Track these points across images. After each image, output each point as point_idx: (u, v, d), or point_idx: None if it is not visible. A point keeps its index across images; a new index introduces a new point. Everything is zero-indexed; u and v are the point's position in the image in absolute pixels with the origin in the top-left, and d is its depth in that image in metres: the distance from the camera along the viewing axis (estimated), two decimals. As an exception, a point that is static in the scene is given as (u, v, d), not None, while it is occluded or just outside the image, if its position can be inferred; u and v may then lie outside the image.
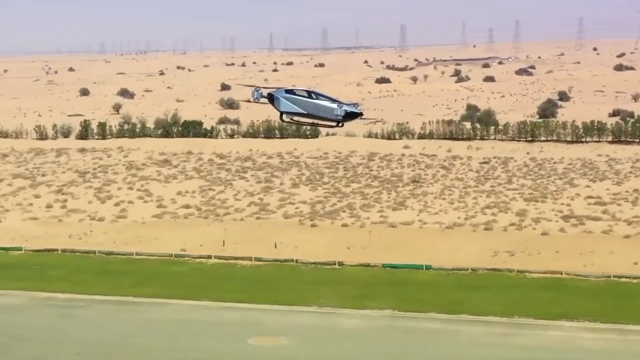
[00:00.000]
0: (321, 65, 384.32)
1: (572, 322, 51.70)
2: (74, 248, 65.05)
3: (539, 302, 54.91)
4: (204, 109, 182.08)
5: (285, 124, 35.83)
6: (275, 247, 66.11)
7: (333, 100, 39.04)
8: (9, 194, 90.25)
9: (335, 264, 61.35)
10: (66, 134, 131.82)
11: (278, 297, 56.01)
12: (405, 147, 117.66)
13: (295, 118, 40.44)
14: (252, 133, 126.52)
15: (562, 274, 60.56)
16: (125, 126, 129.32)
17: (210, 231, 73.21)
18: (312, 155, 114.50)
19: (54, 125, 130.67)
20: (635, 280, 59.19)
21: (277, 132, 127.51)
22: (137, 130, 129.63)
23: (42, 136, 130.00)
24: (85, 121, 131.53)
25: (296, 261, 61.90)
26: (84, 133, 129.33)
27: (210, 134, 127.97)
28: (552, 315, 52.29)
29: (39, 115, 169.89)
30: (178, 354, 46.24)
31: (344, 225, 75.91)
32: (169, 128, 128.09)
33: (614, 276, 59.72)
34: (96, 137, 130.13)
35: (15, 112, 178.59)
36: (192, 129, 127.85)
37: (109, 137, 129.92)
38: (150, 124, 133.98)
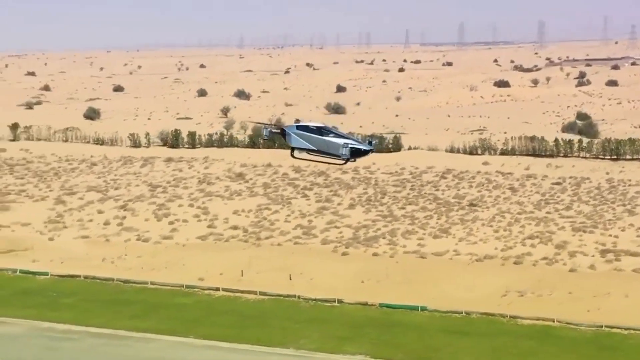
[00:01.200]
0: (449, 64, 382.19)
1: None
2: (95, 275, 68.05)
3: (517, 352, 55.33)
4: (310, 113, 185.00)
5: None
6: (290, 279, 68.34)
7: (343, 137, 40.13)
8: (76, 208, 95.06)
9: (335, 302, 62.73)
10: (165, 141, 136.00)
11: (262, 336, 57.92)
12: (485, 163, 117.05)
13: (305, 154, 41.66)
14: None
15: (554, 321, 60.18)
16: (214, 136, 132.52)
17: (241, 257, 76.34)
18: (387, 171, 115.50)
19: (147, 134, 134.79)
20: (626, 332, 58.30)
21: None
22: (225, 140, 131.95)
23: (136, 144, 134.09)
24: (175, 130, 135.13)
25: (298, 297, 63.65)
26: (174, 142, 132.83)
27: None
28: None
29: (148, 119, 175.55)
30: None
31: (375, 254, 76.98)
32: (254, 138, 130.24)
33: (605, 326, 58.97)
34: (186, 146, 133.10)
35: (130, 114, 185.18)
36: (278, 139, 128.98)
37: (199, 146, 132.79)
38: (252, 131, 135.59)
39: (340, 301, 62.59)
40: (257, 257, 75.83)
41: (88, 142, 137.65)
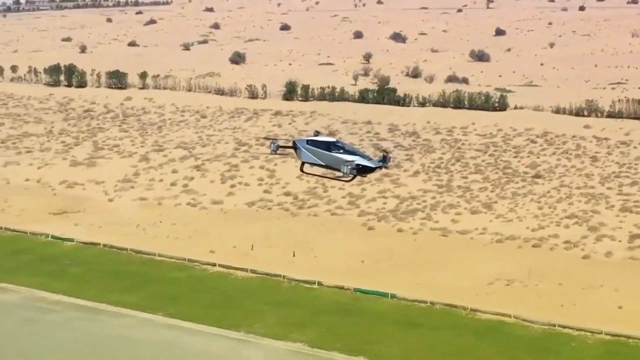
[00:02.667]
0: (634, 2, 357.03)
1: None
2: (114, 244, 74.95)
3: (452, 350, 56.94)
4: (453, 60, 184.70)
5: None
6: (294, 255, 72.95)
7: (352, 153, 42.69)
8: (156, 166, 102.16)
9: (315, 284, 66.95)
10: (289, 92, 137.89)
11: (224, 318, 61.78)
12: (586, 126, 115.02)
13: (314, 169, 44.90)
14: (443, 102, 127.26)
15: (510, 317, 60.63)
16: (327, 89, 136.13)
17: (268, 228, 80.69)
18: (481, 132, 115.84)
19: (263, 85, 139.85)
20: (575, 332, 58.67)
21: (466, 102, 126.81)
22: (337, 94, 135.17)
23: (253, 95, 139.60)
24: (290, 82, 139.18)
25: (283, 277, 67.85)
26: (289, 94, 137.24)
27: (403, 101, 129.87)
28: None
29: (289, 64, 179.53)
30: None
31: (400, 230, 79.88)
32: (365, 93, 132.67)
33: (559, 325, 59.18)
34: (300, 98, 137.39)
35: (276, 58, 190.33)
36: (387, 95, 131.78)
37: (311, 98, 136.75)
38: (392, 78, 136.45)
39: (320, 283, 65.77)
40: (281, 229, 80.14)
41: (209, 92, 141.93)
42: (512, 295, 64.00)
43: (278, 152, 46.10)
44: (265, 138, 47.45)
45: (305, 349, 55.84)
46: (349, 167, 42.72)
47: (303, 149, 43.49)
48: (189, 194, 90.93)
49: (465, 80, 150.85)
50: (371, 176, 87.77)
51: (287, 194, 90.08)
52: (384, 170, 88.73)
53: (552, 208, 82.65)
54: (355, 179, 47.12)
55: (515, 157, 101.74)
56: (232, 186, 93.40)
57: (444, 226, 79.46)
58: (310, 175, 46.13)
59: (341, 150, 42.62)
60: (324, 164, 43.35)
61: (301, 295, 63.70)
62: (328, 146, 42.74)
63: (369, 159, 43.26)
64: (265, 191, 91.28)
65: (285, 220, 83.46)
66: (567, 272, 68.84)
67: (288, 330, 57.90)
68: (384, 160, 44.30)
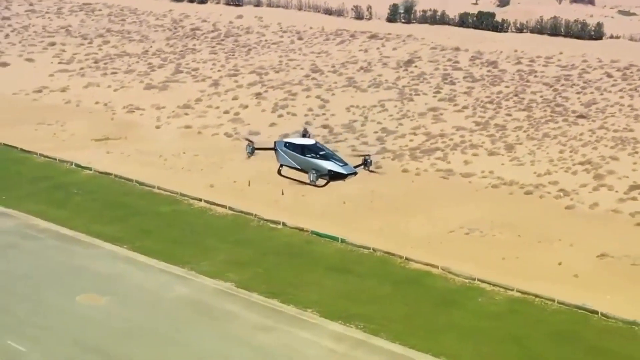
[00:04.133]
0: None
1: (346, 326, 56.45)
2: (125, 174, 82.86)
3: (360, 299, 59.88)
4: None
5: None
6: (283, 194, 79.09)
7: (327, 158, 42.57)
8: (222, 92, 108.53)
9: (279, 224, 73.02)
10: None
11: (181, 254, 66.35)
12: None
13: (290, 172, 45.41)
14: (540, 29, 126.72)
15: (438, 268, 63.06)
16: (428, 12, 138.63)
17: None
18: (563, 64, 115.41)
19: (369, 7, 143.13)
20: (490, 288, 60.69)
21: (562, 29, 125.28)
22: (437, 17, 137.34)
23: (359, 16, 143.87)
24: (393, 4, 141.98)
25: (255, 215, 74.10)
26: (392, 16, 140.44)
27: (500, 26, 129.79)
28: (346, 315, 57.21)
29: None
30: (9, 299, 60.17)
31: (405, 170, 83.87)
32: (464, 17, 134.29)
33: (478, 279, 60.78)
34: (402, 20, 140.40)
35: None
36: (485, 20, 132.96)
37: (414, 21, 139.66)
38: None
39: (284, 224, 71.21)
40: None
41: (318, 11, 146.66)
42: (463, 245, 66.13)
43: (254, 154, 45.80)
44: (247, 139, 49.33)
45: (231, 288, 60.47)
46: (315, 174, 42.41)
47: (280, 152, 43.44)
48: (234, 122, 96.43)
49: (591, 2, 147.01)
50: (416, 108, 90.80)
51: (325, 126, 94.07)
52: (430, 104, 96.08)
53: (573, 152, 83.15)
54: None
55: (578, 93, 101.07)
56: (280, 116, 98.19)
57: (451, 168, 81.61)
58: (286, 178, 46.78)
59: (316, 155, 42.34)
60: (299, 168, 43.00)
61: (261, 235, 68.51)
62: (303, 150, 42.38)
63: (344, 164, 42.46)
64: (306, 122, 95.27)
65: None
66: (536, 223, 70.24)
67: (228, 269, 62.73)
68: (365, 164, 43.96)
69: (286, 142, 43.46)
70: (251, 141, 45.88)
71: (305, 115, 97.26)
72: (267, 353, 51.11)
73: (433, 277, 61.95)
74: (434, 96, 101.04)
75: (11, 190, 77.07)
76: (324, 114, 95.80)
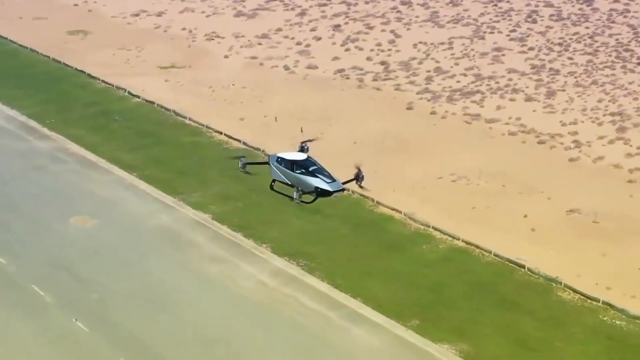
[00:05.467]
0: None
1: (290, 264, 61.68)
2: (164, 104, 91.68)
3: (318, 239, 64.13)
4: None
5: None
6: (302, 131, 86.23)
7: (316, 175, 43.12)
8: (305, 22, 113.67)
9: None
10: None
11: (180, 184, 72.34)
12: None
13: (282, 188, 44.99)
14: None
15: (401, 213, 66.60)
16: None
17: (319, 99, 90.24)
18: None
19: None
20: (439, 236, 63.44)
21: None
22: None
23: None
24: None
25: (262, 151, 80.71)
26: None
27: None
28: (294, 252, 62.54)
29: None
30: (11, 216, 68.51)
31: (433, 112, 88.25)
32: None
33: (432, 227, 64.39)
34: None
35: None
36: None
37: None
38: None
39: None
40: (328, 100, 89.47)
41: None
42: (442, 192, 69.53)
43: (246, 169, 46.24)
44: (237, 157, 52.10)
45: (207, 220, 66.94)
46: (299, 193, 42.95)
47: (272, 167, 43.87)
48: (300, 55, 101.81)
49: None
50: (479, 49, 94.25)
51: (383, 63, 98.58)
52: (499, 44, 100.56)
53: (612, 102, 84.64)
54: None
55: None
56: (347, 50, 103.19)
57: (479, 113, 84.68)
58: (277, 192, 47.73)
59: (305, 171, 42.54)
60: (289, 183, 43.22)
61: (259, 171, 75.10)
62: (292, 166, 42.49)
63: (332, 180, 42.54)
64: (368, 58, 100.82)
65: (345, 92, 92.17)
66: (528, 173, 72.84)
67: (214, 202, 69.08)
68: (357, 178, 44.55)
69: (278, 157, 43.29)
70: (243, 156, 46.31)
71: (371, 50, 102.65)
72: (207, 283, 57.44)
73: (393, 222, 65.22)
74: (507, 35, 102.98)
75: (62, 113, 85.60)
76: (389, 50, 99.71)
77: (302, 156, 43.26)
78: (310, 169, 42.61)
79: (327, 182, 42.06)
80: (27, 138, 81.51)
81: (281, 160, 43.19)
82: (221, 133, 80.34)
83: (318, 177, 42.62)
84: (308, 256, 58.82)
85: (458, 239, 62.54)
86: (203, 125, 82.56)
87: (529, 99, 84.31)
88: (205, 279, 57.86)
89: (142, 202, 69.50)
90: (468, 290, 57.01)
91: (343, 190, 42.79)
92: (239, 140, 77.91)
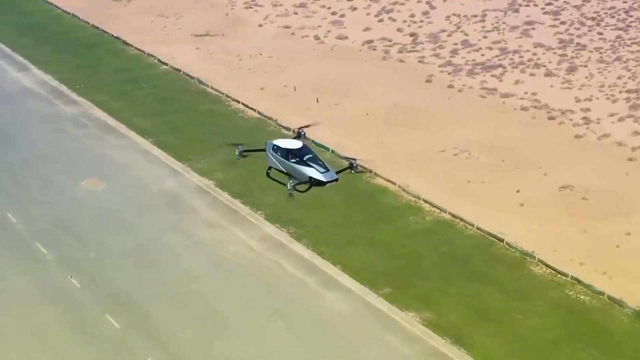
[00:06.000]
0: None
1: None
2: (188, 71, 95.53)
3: (308, 205, 64.50)
4: None
5: None
6: (317, 101, 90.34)
7: (310, 164, 43.20)
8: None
9: (290, 130, 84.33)
10: None
11: (190, 151, 75.86)
12: None
13: (278, 175, 44.88)
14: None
15: (396, 185, 68.80)
16: None
17: (340, 69, 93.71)
18: None
19: None
20: (428, 208, 66.42)
21: None
22: None
23: None
24: None
25: (275, 121, 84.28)
26: None
27: None
28: (285, 220, 65.77)
29: None
30: (28, 177, 72.45)
31: (450, 86, 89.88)
32: None
33: (423, 199, 66.51)
34: None
35: None
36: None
37: None
38: None
39: (293, 131, 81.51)
40: (348, 70, 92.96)
41: None
42: (442, 165, 71.61)
43: (244, 155, 46.57)
44: (234, 144, 52.45)
45: (209, 186, 70.23)
46: (292, 184, 43.40)
47: (269, 154, 43.77)
48: (333, 25, 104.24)
49: None
50: (510, 22, 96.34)
51: (412, 34, 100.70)
52: (531, 18, 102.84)
53: (631, 79, 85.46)
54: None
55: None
56: (380, 21, 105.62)
57: (496, 87, 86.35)
58: (272, 180, 47.71)
59: (300, 160, 42.76)
60: (285, 171, 43.50)
61: (265, 139, 78.85)
62: (287, 154, 42.63)
63: (325, 170, 42.71)
64: (398, 29, 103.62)
65: (368, 64, 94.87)
66: (531, 149, 74.80)
67: (220, 169, 71.92)
68: (351, 167, 45.02)
69: (274, 145, 43.26)
70: (240, 144, 46.61)
71: (404, 21, 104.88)
72: (198, 246, 61.03)
73: (387, 193, 67.55)
74: (542, 8, 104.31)
75: (93, 79, 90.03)
76: (420, 21, 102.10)
77: (297, 144, 43.48)
78: (305, 157, 42.63)
79: (321, 172, 42.33)
80: (55, 102, 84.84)
81: (277, 148, 43.27)
82: (239, 102, 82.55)
83: (312, 166, 42.67)
84: (298, 224, 61.73)
85: (445, 212, 64.30)
86: (223, 94, 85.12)
87: (549, 74, 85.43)
88: (196, 242, 61.49)
89: (152, 167, 72.67)
90: (442, 261, 58.98)
91: (337, 180, 42.88)
92: (254, 110, 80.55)
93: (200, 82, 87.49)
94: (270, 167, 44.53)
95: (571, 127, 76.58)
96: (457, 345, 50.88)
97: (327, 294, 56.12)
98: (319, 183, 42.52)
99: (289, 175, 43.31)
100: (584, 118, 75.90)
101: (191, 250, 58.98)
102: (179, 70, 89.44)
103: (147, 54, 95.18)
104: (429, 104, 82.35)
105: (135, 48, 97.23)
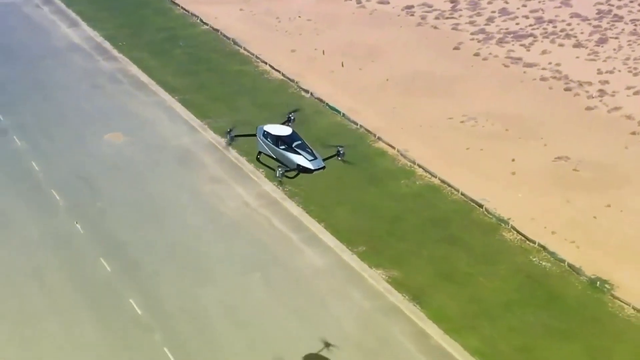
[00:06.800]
0: None
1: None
2: (227, 33, 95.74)
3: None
4: None
5: None
6: (342, 65, 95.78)
7: (298, 151, 43.03)
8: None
9: (308, 93, 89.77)
10: None
11: (212, 109, 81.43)
12: None
13: (270, 161, 44.75)
14: None
15: (395, 149, 72.09)
16: None
17: (378, 35, 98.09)
18: None
19: None
20: (420, 172, 69.82)
21: None
22: None
23: None
24: None
25: (296, 83, 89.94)
26: None
27: None
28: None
29: None
30: (58, 129, 78.66)
31: (476, 54, 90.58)
32: None
33: (417, 164, 69.98)
34: None
35: None
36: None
37: None
38: None
39: (312, 94, 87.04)
40: (379, 37, 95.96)
41: None
42: (446, 132, 74.73)
43: (234, 141, 47.02)
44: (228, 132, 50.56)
45: (221, 144, 74.02)
46: (281, 171, 43.58)
47: (259, 140, 43.99)
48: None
49: None
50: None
51: (452, 0, 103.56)
52: None
53: None
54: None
55: None
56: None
57: (522, 57, 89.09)
58: (262, 165, 48.11)
59: (288, 147, 42.94)
60: (274, 157, 43.68)
61: (286, 100, 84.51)
62: (277, 141, 42.84)
63: (313, 158, 42.90)
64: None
65: (402, 29, 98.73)
66: (538, 119, 77.88)
67: (235, 127, 79.27)
68: (338, 154, 45.25)
69: (265, 131, 43.83)
70: (231, 129, 46.94)
71: None
72: (198, 200, 66.03)
73: (385, 157, 71.15)
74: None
75: (135, 37, 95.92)
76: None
77: (287, 131, 43.63)
78: (294, 145, 42.95)
79: (309, 160, 42.60)
80: (97, 58, 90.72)
81: (267, 135, 43.58)
82: (266, 63, 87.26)
83: (301, 154, 42.88)
84: (295, 183, 64.75)
85: (435, 177, 67.26)
86: (253, 55, 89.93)
87: (577, 45, 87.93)
88: (197, 196, 66.24)
89: (173, 124, 77.86)
90: (422, 224, 62.38)
91: (324, 167, 43.30)
92: (279, 71, 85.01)
93: (235, 42, 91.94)
94: (259, 152, 44.55)
95: (584, 99, 78.51)
96: (414, 303, 54.31)
97: (307, 250, 60.09)
98: (307, 170, 43.01)
99: (278, 161, 43.57)
100: (600, 90, 78.04)
101: (192, 204, 64.07)
102: (217, 31, 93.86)
103: (191, 13, 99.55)
104: (451, 71, 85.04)
105: (182, 8, 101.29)
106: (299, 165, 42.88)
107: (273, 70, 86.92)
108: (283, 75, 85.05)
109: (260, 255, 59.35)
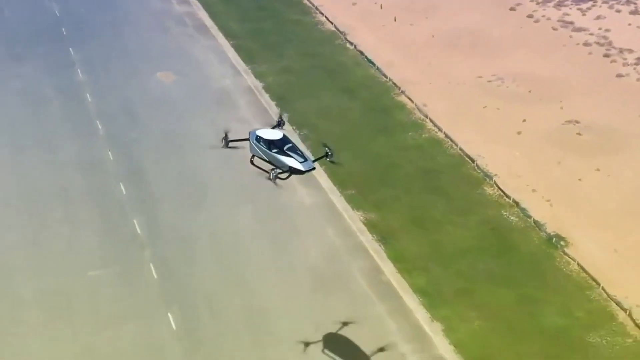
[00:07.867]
0: None
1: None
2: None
3: (331, 114, 78.26)
4: None
5: None
6: (395, 20, 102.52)
7: (290, 154, 44.51)
8: None
9: (352, 45, 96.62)
10: None
11: (259, 56, 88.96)
12: None
13: (264, 164, 45.66)
14: None
15: (413, 102, 77.15)
16: None
17: None
18: None
19: None
20: (430, 126, 75.49)
21: None
22: None
23: None
24: None
25: (344, 34, 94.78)
26: None
27: None
28: (305, 124, 77.20)
29: None
30: (119, 67, 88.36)
31: (530, 16, 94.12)
32: None
33: (429, 118, 74.62)
34: None
35: None
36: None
37: None
38: None
39: (356, 47, 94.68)
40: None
41: None
42: (470, 90, 79.24)
43: (230, 145, 47.44)
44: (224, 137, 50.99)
45: (257, 87, 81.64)
46: (274, 174, 44.72)
47: (252, 144, 45.01)
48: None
49: None
50: None
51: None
52: None
53: None
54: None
55: None
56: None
57: (574, 21, 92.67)
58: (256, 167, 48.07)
59: (280, 150, 44.28)
60: (267, 160, 44.80)
61: (329, 52, 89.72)
62: (269, 144, 44.16)
63: (304, 159, 44.21)
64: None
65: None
66: (566, 84, 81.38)
67: (274, 74, 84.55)
68: (327, 156, 46.63)
69: (257, 135, 44.99)
70: (226, 133, 47.63)
71: None
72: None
73: (402, 110, 76.20)
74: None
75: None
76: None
77: (278, 135, 45.19)
78: (285, 148, 44.42)
79: (300, 162, 44.24)
80: (172, 1, 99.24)
81: (260, 139, 44.99)
82: (322, 14, 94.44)
83: (292, 156, 44.29)
84: (312, 128, 72.54)
85: (441, 131, 72.25)
86: (314, 6, 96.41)
87: (634, 12, 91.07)
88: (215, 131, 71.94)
89: (221, 67, 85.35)
90: (415, 174, 67.27)
91: (314, 169, 45.45)
92: (331, 22, 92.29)
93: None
94: (253, 155, 45.87)
95: (619, 66, 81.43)
96: (380, 243, 59.79)
97: (301, 190, 65.61)
98: (298, 172, 44.72)
99: (271, 163, 45.03)
100: (638, 59, 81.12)
101: (213, 142, 71.80)
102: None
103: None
104: (499, 31, 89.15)
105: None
106: (290, 167, 44.31)
107: (327, 22, 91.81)
108: (335, 27, 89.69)
109: (258, 192, 64.70)
